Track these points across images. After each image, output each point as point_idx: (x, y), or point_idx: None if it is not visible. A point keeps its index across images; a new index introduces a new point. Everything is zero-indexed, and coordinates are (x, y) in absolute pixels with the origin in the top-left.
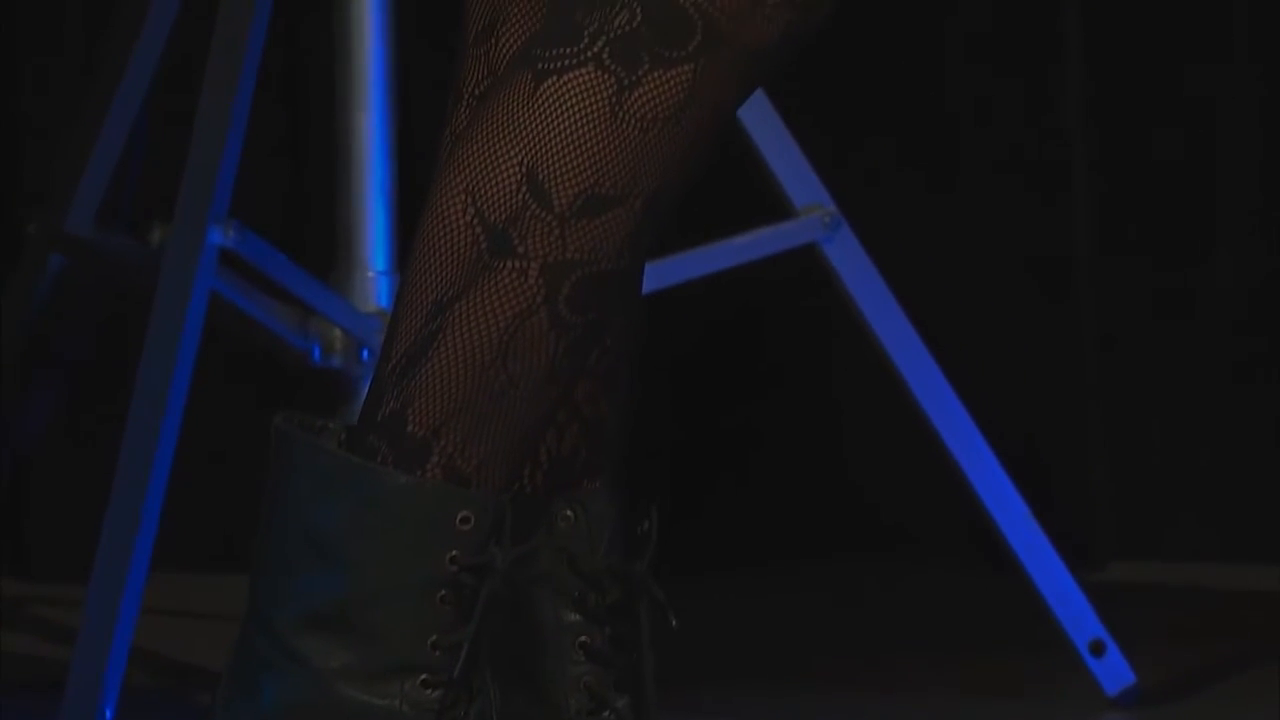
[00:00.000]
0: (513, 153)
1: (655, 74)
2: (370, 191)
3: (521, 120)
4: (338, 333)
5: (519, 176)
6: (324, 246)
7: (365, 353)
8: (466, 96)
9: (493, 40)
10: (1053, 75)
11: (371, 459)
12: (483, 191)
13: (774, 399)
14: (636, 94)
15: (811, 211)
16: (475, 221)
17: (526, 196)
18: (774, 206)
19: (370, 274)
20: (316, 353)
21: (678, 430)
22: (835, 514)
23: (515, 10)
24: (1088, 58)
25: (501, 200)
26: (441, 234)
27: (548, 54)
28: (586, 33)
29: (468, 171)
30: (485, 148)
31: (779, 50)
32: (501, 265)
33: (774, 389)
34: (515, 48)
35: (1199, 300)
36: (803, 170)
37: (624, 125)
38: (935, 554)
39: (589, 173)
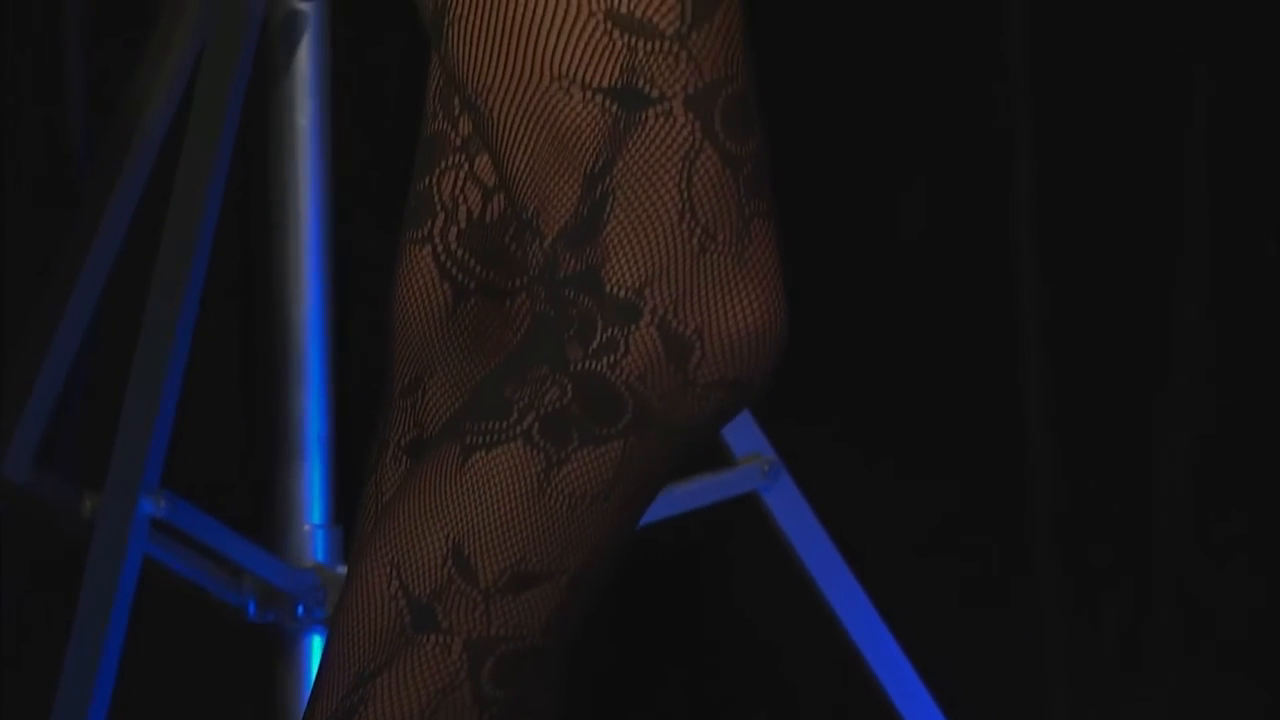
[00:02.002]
0: (439, 526)
1: (584, 451)
2: (307, 446)
3: (449, 495)
4: (272, 589)
5: (445, 551)
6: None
7: (300, 608)
8: (392, 447)
9: (420, 393)
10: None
11: None
12: (408, 564)
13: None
14: (565, 471)
15: (751, 460)
16: (399, 594)
17: (452, 571)
18: (713, 454)
19: (306, 527)
20: (252, 609)
21: None
22: None
23: (442, 366)
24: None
25: (426, 574)
26: (365, 605)
27: (476, 427)
28: (516, 408)
29: (393, 544)
30: (412, 520)
31: (710, 426)
32: (424, 640)
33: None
34: (442, 403)
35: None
36: (743, 419)
37: (552, 502)
38: None
39: (516, 549)
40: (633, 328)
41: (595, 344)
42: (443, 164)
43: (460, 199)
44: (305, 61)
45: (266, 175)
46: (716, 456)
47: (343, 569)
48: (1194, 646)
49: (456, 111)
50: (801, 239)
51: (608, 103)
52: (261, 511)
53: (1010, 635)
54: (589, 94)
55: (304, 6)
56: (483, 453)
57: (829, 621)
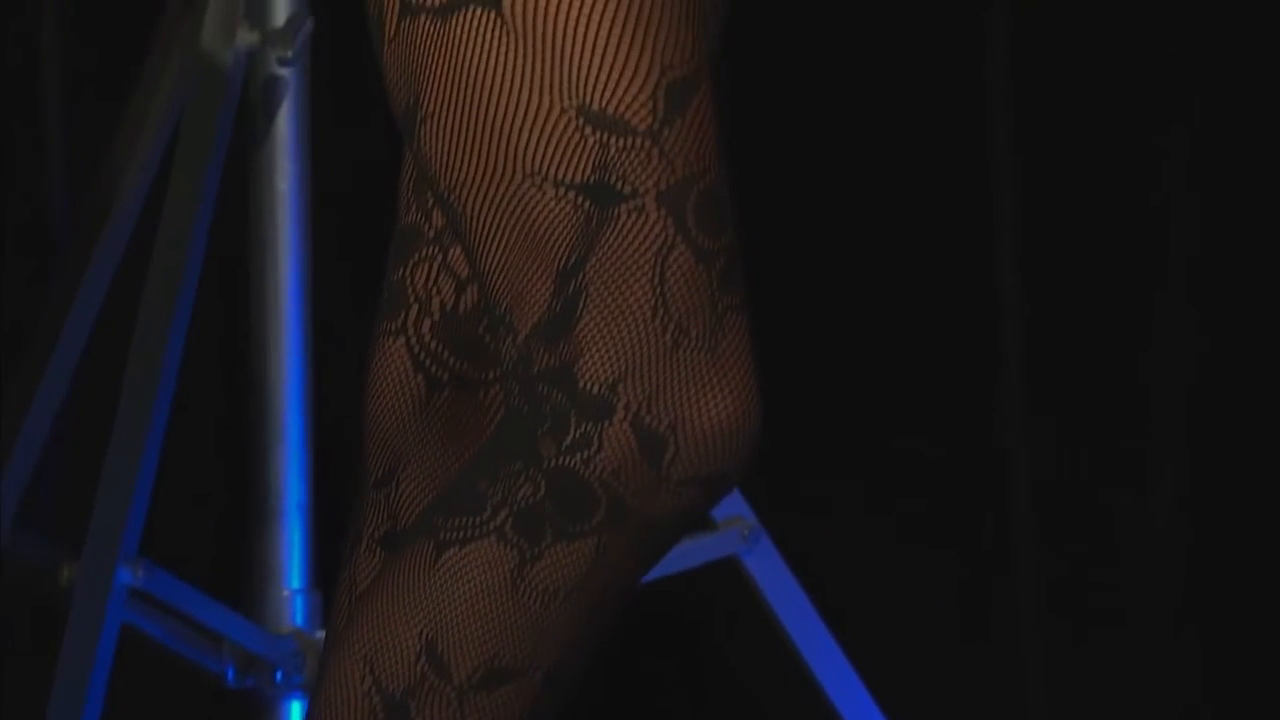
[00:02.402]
0: (413, 623)
1: (558, 547)
2: (286, 511)
3: (422, 590)
4: (251, 655)
5: (418, 647)
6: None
7: (279, 674)
8: (366, 539)
9: (394, 485)
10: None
11: None
12: (381, 660)
13: None
14: (538, 567)
15: (731, 524)
16: (373, 690)
17: (425, 668)
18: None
19: (285, 592)
20: (230, 675)
21: None
22: None
23: (416, 458)
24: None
25: (400, 670)
26: (340, 701)
27: (450, 523)
28: (490, 503)
29: (367, 639)
30: (385, 616)
31: (683, 521)
32: None
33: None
34: (416, 495)
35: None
36: None
37: (525, 598)
38: None
39: (489, 645)
40: (606, 424)
41: (569, 440)
42: (416, 256)
43: (434, 291)
44: (285, 127)
45: (246, 240)
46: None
47: (321, 634)
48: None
49: (430, 204)
50: (773, 319)
51: (580, 199)
52: (240, 576)
53: (992, 699)
54: (561, 190)
55: (284, 72)
56: (456, 549)
57: (810, 685)
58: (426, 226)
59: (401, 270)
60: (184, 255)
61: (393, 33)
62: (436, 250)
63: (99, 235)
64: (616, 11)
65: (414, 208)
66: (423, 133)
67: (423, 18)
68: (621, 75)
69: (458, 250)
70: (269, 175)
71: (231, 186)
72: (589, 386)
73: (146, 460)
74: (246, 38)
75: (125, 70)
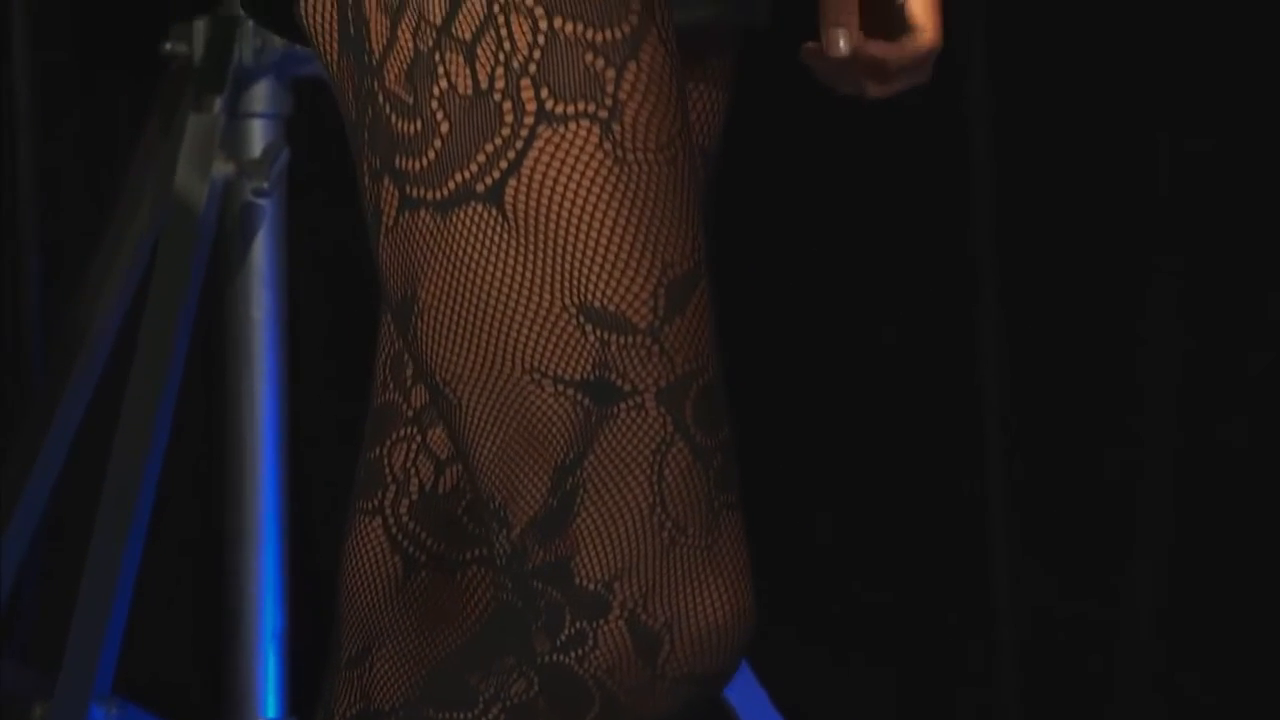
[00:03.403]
0: None
1: None
2: (262, 641)
3: None
4: None
5: None
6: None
7: None
8: (337, 718)
9: (367, 665)
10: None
11: None
12: None
13: None
14: None
15: None
16: None
17: None
18: None
19: None
20: None
21: None
22: None
23: (391, 639)
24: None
25: None
26: None
27: (440, 716)
28: (482, 698)
29: None
30: None
31: (676, 718)
32: None
33: None
34: (390, 676)
35: None
36: None
37: None
38: None
39: None
40: (601, 621)
41: (563, 637)
42: (394, 435)
43: (412, 471)
44: (260, 256)
45: (222, 367)
46: None
47: None
48: None
49: (409, 382)
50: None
51: (579, 396)
52: (216, 706)
53: None
54: (560, 387)
55: (260, 202)
56: None
57: None
58: (405, 406)
59: (378, 449)
60: (160, 382)
61: (391, 223)
62: (415, 430)
63: (75, 360)
64: (619, 210)
65: (391, 386)
66: (419, 324)
67: (423, 211)
68: (623, 273)
69: (437, 430)
70: (244, 304)
71: (207, 311)
72: (584, 583)
73: (120, 598)
74: (223, 168)
75: (102, 195)
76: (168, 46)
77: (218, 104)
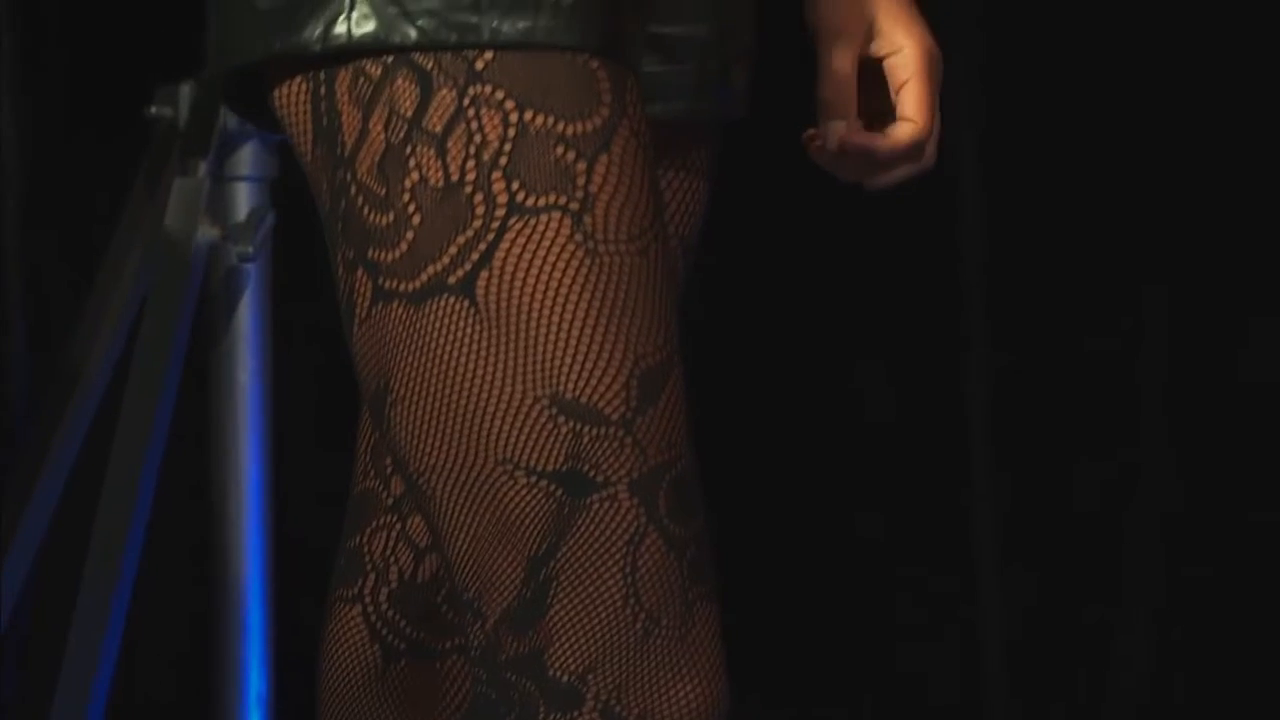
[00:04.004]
0: None
1: None
2: (246, 704)
3: None
4: None
5: None
6: None
7: None
8: None
9: None
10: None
11: None
12: None
13: None
14: None
15: None
16: None
17: None
18: None
19: None
20: None
21: None
22: None
23: None
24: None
25: None
26: None
27: None
28: None
29: None
30: None
31: None
32: None
33: None
34: None
35: None
36: None
37: None
38: None
39: None
40: (575, 714)
41: None
42: (374, 523)
43: (391, 559)
44: (245, 319)
45: (207, 432)
46: None
47: None
48: None
49: (388, 471)
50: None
51: (553, 488)
52: None
53: None
54: (534, 479)
55: (245, 266)
56: None
57: None
58: (384, 494)
59: (358, 537)
60: (145, 449)
61: (364, 315)
62: (395, 519)
63: (56, 430)
64: (590, 301)
65: (372, 473)
66: (393, 415)
67: (395, 303)
68: (595, 364)
69: (416, 519)
70: (230, 368)
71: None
72: (558, 675)
73: (100, 681)
74: (208, 232)
75: (87, 260)
76: (153, 109)
77: (202, 168)
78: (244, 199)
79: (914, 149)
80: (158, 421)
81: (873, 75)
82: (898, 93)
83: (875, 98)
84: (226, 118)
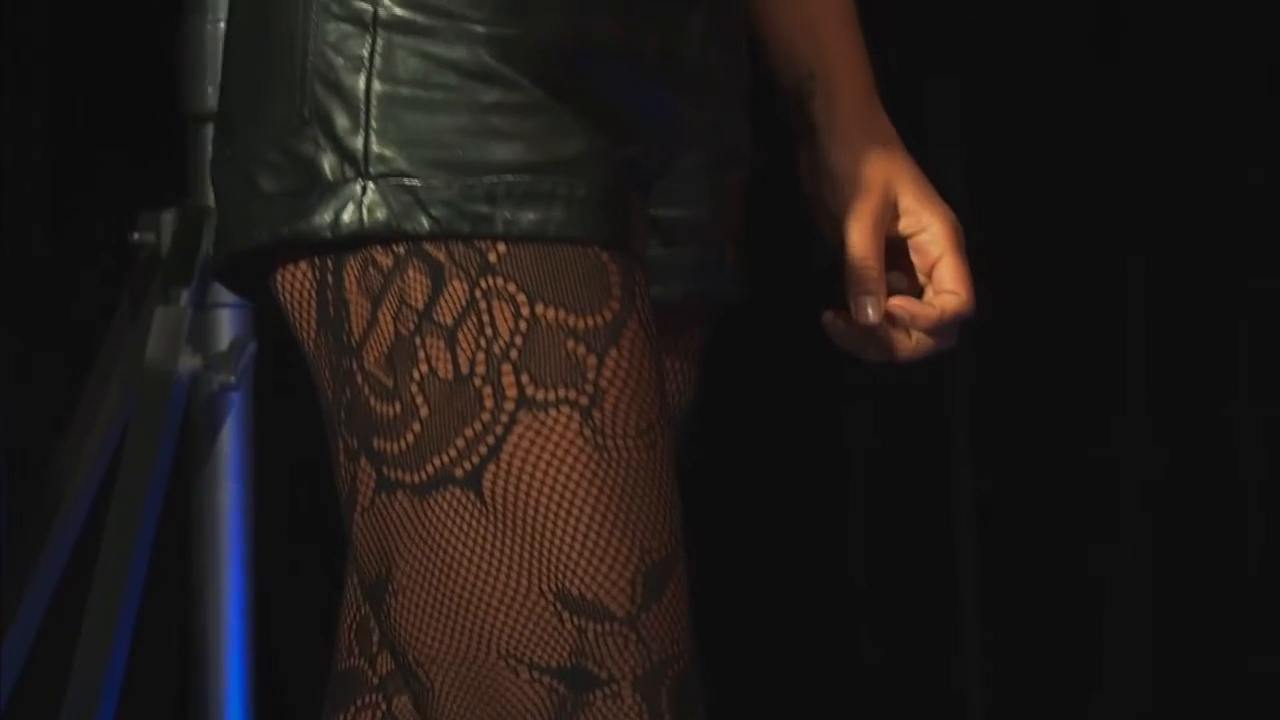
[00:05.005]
0: None
1: None
2: None
3: None
4: None
5: None
6: None
7: None
8: None
9: None
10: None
11: None
12: None
13: None
14: None
15: None
16: None
17: None
18: None
19: None
20: None
21: None
22: None
23: None
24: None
25: None
26: None
27: None
28: None
29: None
30: None
31: None
32: None
33: None
34: None
35: None
36: None
37: None
38: None
39: None
40: None
41: None
42: (359, 702)
43: None
44: (227, 447)
45: (190, 560)
46: None
47: None
48: None
49: (374, 649)
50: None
51: (555, 684)
52: None
53: None
54: (536, 674)
55: (229, 395)
56: None
57: None
58: (370, 673)
59: (342, 716)
60: (124, 579)
61: (367, 503)
62: (380, 699)
63: (38, 559)
64: (598, 497)
65: (356, 651)
66: (393, 604)
67: (400, 494)
68: (601, 560)
69: (402, 699)
70: (211, 495)
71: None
72: None
73: None
74: (189, 361)
75: (71, 382)
76: (135, 236)
77: (185, 296)
78: (226, 326)
79: (955, 321)
80: (138, 552)
81: (897, 253)
82: (929, 270)
83: (900, 275)
84: (210, 245)
